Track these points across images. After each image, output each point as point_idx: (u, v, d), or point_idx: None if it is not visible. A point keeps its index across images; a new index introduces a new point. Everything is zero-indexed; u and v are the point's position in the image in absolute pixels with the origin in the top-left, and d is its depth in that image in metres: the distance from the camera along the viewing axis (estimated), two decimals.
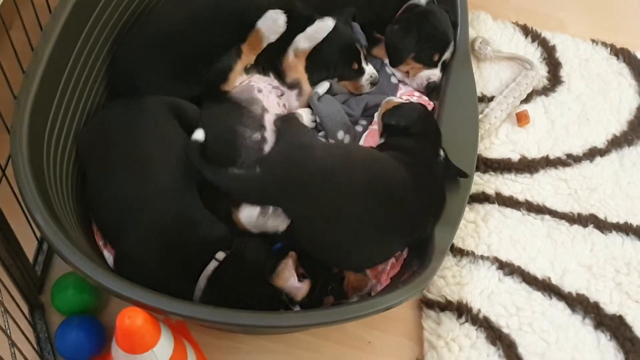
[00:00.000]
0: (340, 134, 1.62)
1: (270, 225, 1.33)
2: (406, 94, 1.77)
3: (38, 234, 1.45)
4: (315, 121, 1.64)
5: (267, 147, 1.47)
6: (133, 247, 1.32)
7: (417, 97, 1.76)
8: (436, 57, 1.73)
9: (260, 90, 1.57)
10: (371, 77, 1.72)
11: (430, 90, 1.76)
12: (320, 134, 1.63)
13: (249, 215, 1.35)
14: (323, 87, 1.70)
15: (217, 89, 1.56)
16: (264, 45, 1.61)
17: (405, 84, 1.81)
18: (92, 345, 1.35)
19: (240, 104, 1.53)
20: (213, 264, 1.28)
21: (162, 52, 1.57)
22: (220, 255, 1.28)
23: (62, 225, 1.25)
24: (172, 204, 1.34)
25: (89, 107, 1.52)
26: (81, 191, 1.44)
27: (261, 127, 1.51)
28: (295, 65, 1.68)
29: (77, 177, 1.45)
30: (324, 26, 1.65)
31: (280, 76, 1.69)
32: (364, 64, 1.72)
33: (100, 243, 1.41)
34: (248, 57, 1.61)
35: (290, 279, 1.26)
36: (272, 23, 1.58)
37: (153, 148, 1.41)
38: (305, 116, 1.62)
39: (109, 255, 1.38)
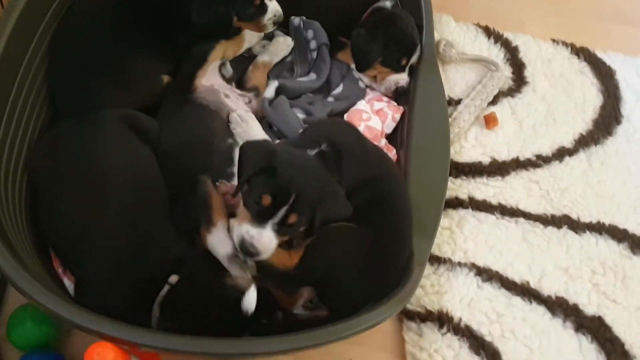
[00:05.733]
0: None
1: (233, 271, 1.22)
2: (374, 99, 1.73)
3: None
4: (271, 128, 1.61)
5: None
6: (90, 273, 1.24)
7: (385, 102, 1.71)
8: (404, 61, 1.69)
9: (227, 96, 1.53)
10: (275, 15, 1.61)
11: (398, 94, 1.72)
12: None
13: (216, 245, 1.23)
14: (271, 89, 1.66)
15: (190, 81, 1.51)
16: (244, 48, 1.67)
17: (373, 89, 1.77)
18: None
19: (208, 107, 1.48)
20: (165, 290, 1.20)
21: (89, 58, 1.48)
22: (174, 279, 1.21)
23: (17, 252, 1.17)
24: (130, 224, 1.26)
25: (39, 127, 1.45)
26: (35, 215, 1.35)
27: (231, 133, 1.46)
28: (256, 75, 1.69)
29: (30, 200, 1.36)
30: (283, 43, 1.73)
31: (240, 84, 1.68)
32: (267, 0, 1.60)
33: (60, 270, 1.32)
34: (226, 49, 1.62)
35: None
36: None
37: (109, 164, 1.33)
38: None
39: (69, 284, 1.29)
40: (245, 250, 1.16)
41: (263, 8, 1.58)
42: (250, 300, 1.14)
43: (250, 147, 1.25)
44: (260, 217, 1.15)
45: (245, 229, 1.16)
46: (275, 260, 1.23)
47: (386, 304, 1.18)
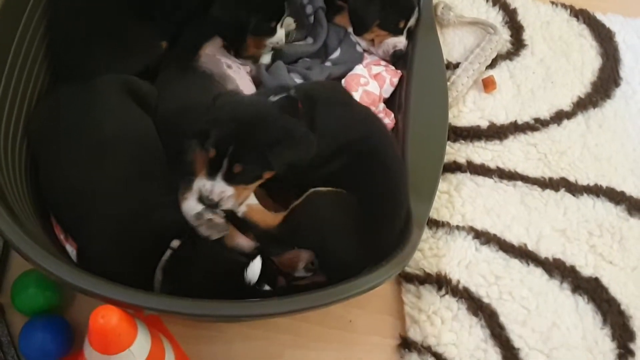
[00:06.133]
0: None
1: (202, 230, 1.24)
2: (372, 63, 1.72)
3: None
4: None
5: None
6: (92, 239, 1.25)
7: (383, 67, 1.70)
8: (402, 24, 1.67)
9: (229, 67, 1.51)
10: (277, 43, 1.61)
11: (397, 58, 1.71)
12: None
13: (187, 209, 1.25)
14: (267, 55, 1.65)
15: (195, 50, 1.52)
16: None
17: (370, 53, 1.75)
18: (59, 346, 1.26)
19: (212, 76, 1.48)
20: (167, 254, 1.21)
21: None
22: (176, 243, 1.22)
23: (19, 218, 1.17)
24: (130, 189, 1.27)
25: (38, 91, 1.43)
26: (36, 181, 1.35)
27: None
28: (253, 46, 1.64)
29: (31, 166, 1.36)
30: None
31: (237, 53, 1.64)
32: (279, 26, 1.59)
33: (62, 237, 1.32)
34: None
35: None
36: None
37: (109, 130, 1.33)
38: None
39: (71, 250, 1.30)
40: (205, 203, 1.21)
41: (273, 31, 1.58)
42: (254, 270, 1.15)
43: (213, 100, 1.28)
44: (211, 169, 1.20)
45: (201, 182, 1.22)
46: (258, 218, 1.25)
47: (385, 266, 1.19)
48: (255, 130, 1.19)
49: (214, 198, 1.20)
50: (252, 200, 1.27)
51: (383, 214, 1.29)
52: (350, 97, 1.45)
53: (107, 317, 0.98)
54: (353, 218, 1.25)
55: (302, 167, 1.23)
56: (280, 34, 1.59)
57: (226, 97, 1.31)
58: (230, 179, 1.20)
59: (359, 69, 1.65)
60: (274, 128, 1.20)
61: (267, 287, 1.16)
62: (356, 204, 1.26)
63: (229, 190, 1.20)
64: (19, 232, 1.11)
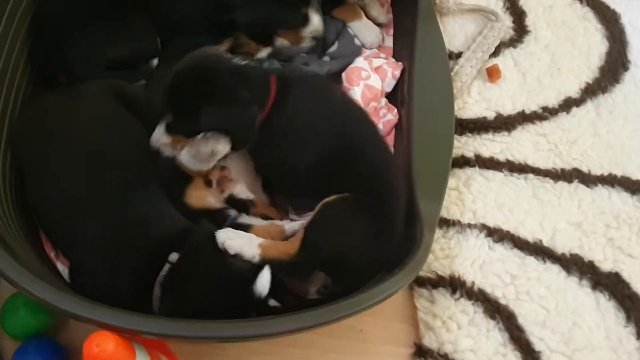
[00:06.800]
0: None
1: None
2: (372, 55, 1.64)
3: None
4: None
5: None
6: (85, 254, 1.18)
7: (384, 59, 1.63)
8: None
9: None
10: (317, 30, 1.51)
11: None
12: None
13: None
14: (263, 54, 1.58)
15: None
16: None
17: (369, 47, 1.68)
18: None
19: None
20: (166, 269, 1.14)
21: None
22: (174, 257, 1.15)
23: (4, 239, 1.10)
24: (124, 199, 1.20)
25: (20, 99, 1.37)
26: (22, 194, 1.28)
27: None
28: (253, 45, 1.59)
29: (16, 179, 1.29)
30: None
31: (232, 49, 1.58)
32: (312, 11, 1.50)
33: (52, 254, 1.25)
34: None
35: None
36: None
37: (99, 138, 1.26)
38: None
39: (63, 268, 1.23)
40: None
41: (306, 19, 1.49)
42: (263, 282, 1.07)
43: None
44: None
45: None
46: (275, 253, 1.16)
47: (398, 274, 1.11)
48: (196, 84, 1.17)
49: (152, 144, 1.24)
50: (259, 239, 1.18)
51: (378, 212, 1.21)
52: (332, 89, 1.35)
53: (102, 345, 0.91)
54: (364, 221, 1.18)
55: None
56: (316, 20, 1.49)
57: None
58: (167, 128, 1.22)
59: (359, 62, 1.58)
60: (213, 84, 1.17)
61: (274, 303, 1.09)
62: (364, 204, 1.18)
63: (164, 137, 1.23)
64: (4, 254, 1.03)
